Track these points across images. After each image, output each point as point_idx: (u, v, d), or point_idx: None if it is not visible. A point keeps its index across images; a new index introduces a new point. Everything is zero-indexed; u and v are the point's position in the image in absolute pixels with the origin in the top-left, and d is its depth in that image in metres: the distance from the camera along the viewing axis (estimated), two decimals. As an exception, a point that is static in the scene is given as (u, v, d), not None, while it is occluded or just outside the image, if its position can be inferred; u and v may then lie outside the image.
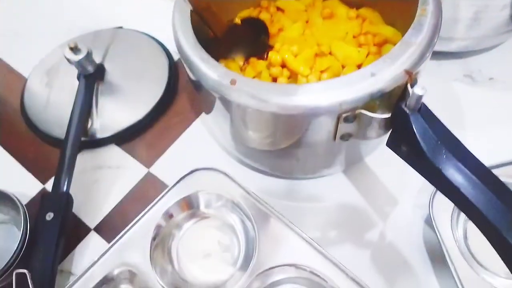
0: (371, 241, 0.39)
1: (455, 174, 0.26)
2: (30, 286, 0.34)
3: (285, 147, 0.35)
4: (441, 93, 0.47)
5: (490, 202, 0.24)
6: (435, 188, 0.34)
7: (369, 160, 0.43)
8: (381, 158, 0.42)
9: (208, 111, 0.38)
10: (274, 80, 0.39)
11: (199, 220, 0.39)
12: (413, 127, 0.27)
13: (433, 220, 0.35)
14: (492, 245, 0.25)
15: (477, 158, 0.26)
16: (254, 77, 0.39)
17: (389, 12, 0.41)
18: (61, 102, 0.50)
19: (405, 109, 0.28)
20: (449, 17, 0.42)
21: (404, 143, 0.29)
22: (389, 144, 0.31)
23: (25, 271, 0.34)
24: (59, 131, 0.47)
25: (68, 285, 0.34)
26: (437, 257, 0.36)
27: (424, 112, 0.28)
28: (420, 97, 0.27)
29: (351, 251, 0.38)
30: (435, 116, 0.28)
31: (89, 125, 0.48)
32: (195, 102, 0.51)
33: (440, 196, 0.28)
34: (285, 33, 0.42)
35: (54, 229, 0.38)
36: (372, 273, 0.37)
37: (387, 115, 0.29)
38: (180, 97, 0.52)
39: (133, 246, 0.36)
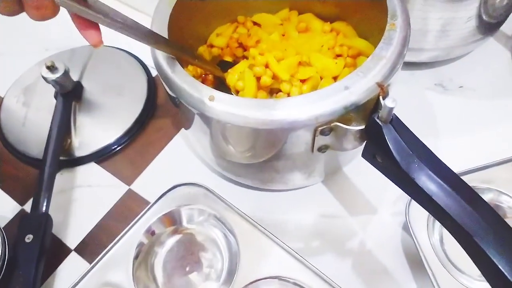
0: (352, 250, 0.40)
1: (427, 183, 0.27)
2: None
3: (265, 160, 0.35)
4: (414, 101, 0.49)
5: (461, 208, 0.25)
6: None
7: (347, 170, 0.44)
8: (359, 167, 0.43)
9: (187, 127, 0.38)
10: (258, 79, 0.39)
11: (181, 236, 0.39)
12: (386, 138, 0.28)
13: (410, 227, 0.35)
14: (464, 249, 0.26)
15: (448, 166, 0.27)
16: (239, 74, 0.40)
17: (361, 26, 0.43)
18: (39, 121, 0.49)
19: (378, 121, 0.29)
20: (418, 29, 0.44)
21: (378, 153, 0.30)
22: (364, 155, 0.32)
23: (4, 296, 0.33)
24: (37, 150, 0.46)
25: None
26: (416, 262, 0.37)
27: (396, 123, 0.29)
28: (391, 109, 0.28)
29: (333, 261, 0.39)
30: (406, 127, 0.29)
31: (67, 144, 0.47)
32: (174, 117, 0.51)
33: (416, 203, 0.29)
34: (264, 41, 0.42)
35: (34, 251, 0.37)
36: (354, 281, 0.38)
37: (362, 127, 0.30)
38: (159, 112, 0.52)
39: (115, 266, 0.35)
